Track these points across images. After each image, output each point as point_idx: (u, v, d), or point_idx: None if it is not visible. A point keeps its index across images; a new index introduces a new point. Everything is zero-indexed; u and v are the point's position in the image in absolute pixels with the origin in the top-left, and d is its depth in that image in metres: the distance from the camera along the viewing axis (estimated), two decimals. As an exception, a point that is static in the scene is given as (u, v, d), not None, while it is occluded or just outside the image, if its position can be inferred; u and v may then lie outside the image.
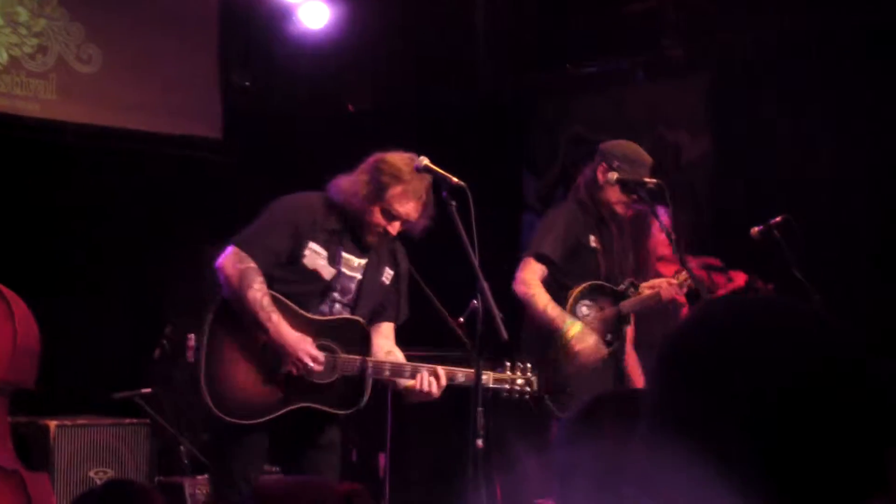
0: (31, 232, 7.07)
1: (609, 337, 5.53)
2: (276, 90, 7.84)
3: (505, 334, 4.69)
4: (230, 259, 4.60)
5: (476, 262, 4.56)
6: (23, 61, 7.19)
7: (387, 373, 4.73)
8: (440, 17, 8.07)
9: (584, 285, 5.53)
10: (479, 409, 4.42)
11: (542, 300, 5.38)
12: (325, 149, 7.10)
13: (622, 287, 5.61)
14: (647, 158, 5.67)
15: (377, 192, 4.69)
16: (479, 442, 4.38)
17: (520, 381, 4.86)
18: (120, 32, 7.56)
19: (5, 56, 7.13)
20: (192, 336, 7.15)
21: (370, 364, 4.69)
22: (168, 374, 6.90)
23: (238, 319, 4.58)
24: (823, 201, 6.76)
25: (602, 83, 7.93)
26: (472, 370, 4.61)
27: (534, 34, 7.95)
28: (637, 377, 5.97)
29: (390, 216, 4.72)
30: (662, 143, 7.63)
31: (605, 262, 5.61)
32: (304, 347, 4.56)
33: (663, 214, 6.10)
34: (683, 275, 5.66)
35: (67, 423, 6.19)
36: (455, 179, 4.52)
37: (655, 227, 6.09)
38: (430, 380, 4.69)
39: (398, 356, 4.79)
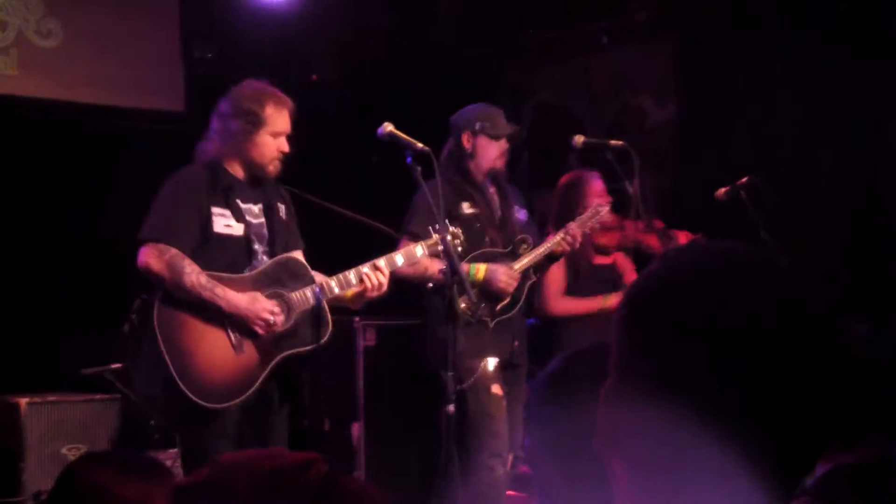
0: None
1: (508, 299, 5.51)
2: (239, 61, 7.78)
3: (472, 295, 4.71)
4: (150, 255, 4.51)
5: (443, 225, 4.59)
6: (-19, 37, 7.12)
7: (336, 289, 4.68)
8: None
9: (468, 256, 5.41)
10: (450, 373, 4.45)
11: (433, 268, 5.18)
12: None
13: (510, 248, 5.56)
14: (500, 110, 5.67)
15: (255, 120, 4.68)
16: (451, 407, 4.40)
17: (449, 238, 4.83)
18: (80, 6, 7.49)
19: (-36, 32, 7.05)
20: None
21: (319, 289, 4.66)
22: (137, 348, 6.88)
23: (181, 306, 4.48)
24: (788, 164, 6.79)
25: (567, 49, 7.93)
26: (407, 247, 4.77)
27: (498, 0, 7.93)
28: None
29: (277, 135, 4.72)
30: (627, 108, 7.65)
31: (485, 226, 5.56)
32: (258, 306, 4.52)
33: (597, 179, 6.10)
34: (582, 217, 5.66)
35: (37, 399, 6.16)
36: (420, 145, 4.55)
37: (593, 190, 6.04)
38: (374, 274, 4.69)
39: (323, 277, 4.75)
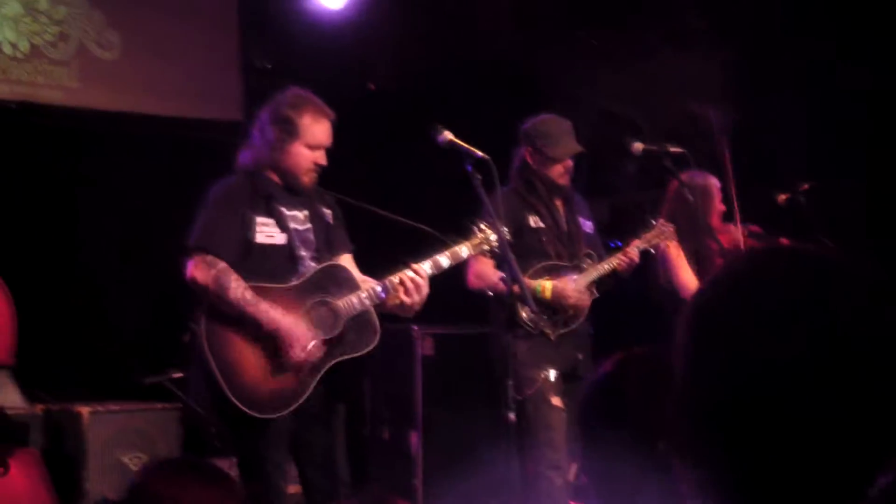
0: (55, 218, 7.09)
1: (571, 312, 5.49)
2: (296, 71, 7.81)
3: (534, 305, 4.69)
4: (198, 267, 4.50)
5: (503, 235, 4.57)
6: (44, 49, 7.20)
7: (382, 294, 4.64)
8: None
9: (532, 269, 5.43)
10: (510, 382, 4.42)
11: (501, 285, 5.07)
12: (347, 128, 7.07)
13: (574, 262, 5.56)
14: (568, 125, 5.61)
15: (290, 130, 4.64)
16: (511, 415, 4.38)
17: (493, 237, 4.78)
18: (140, 18, 7.55)
19: (27, 44, 7.13)
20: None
21: (365, 294, 4.62)
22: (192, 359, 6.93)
23: (228, 317, 4.47)
24: (851, 171, 6.72)
25: (624, 54, 7.88)
26: (453, 248, 4.68)
27: (553, 6, 7.90)
28: None
29: (313, 147, 4.67)
30: (686, 114, 7.59)
31: (551, 240, 5.55)
32: (299, 331, 4.48)
33: (716, 184, 6.04)
34: (647, 236, 5.63)
35: (100, 409, 6.21)
36: (479, 153, 4.52)
37: (717, 198, 5.99)
38: (410, 277, 4.62)
39: (372, 282, 4.70)
